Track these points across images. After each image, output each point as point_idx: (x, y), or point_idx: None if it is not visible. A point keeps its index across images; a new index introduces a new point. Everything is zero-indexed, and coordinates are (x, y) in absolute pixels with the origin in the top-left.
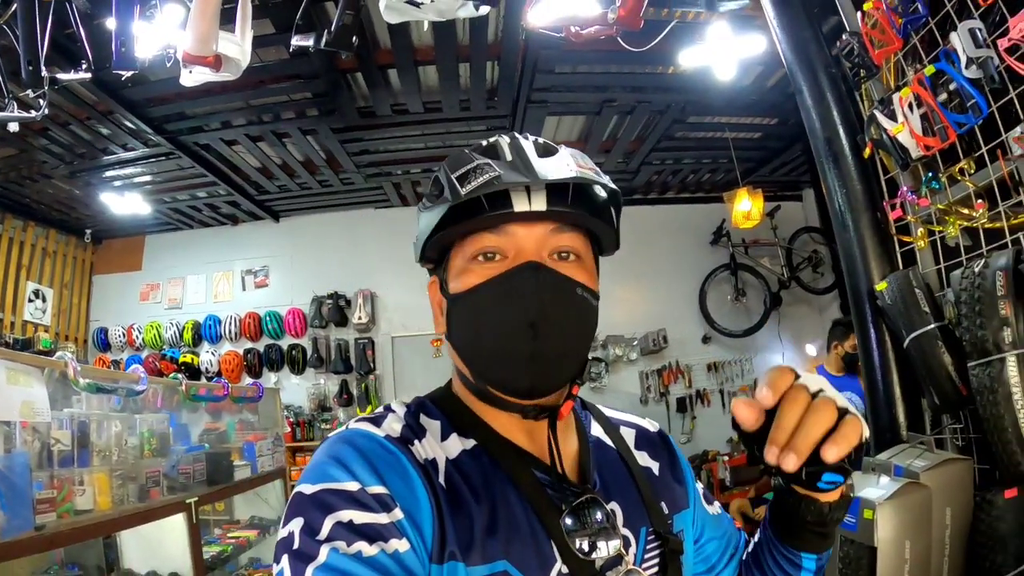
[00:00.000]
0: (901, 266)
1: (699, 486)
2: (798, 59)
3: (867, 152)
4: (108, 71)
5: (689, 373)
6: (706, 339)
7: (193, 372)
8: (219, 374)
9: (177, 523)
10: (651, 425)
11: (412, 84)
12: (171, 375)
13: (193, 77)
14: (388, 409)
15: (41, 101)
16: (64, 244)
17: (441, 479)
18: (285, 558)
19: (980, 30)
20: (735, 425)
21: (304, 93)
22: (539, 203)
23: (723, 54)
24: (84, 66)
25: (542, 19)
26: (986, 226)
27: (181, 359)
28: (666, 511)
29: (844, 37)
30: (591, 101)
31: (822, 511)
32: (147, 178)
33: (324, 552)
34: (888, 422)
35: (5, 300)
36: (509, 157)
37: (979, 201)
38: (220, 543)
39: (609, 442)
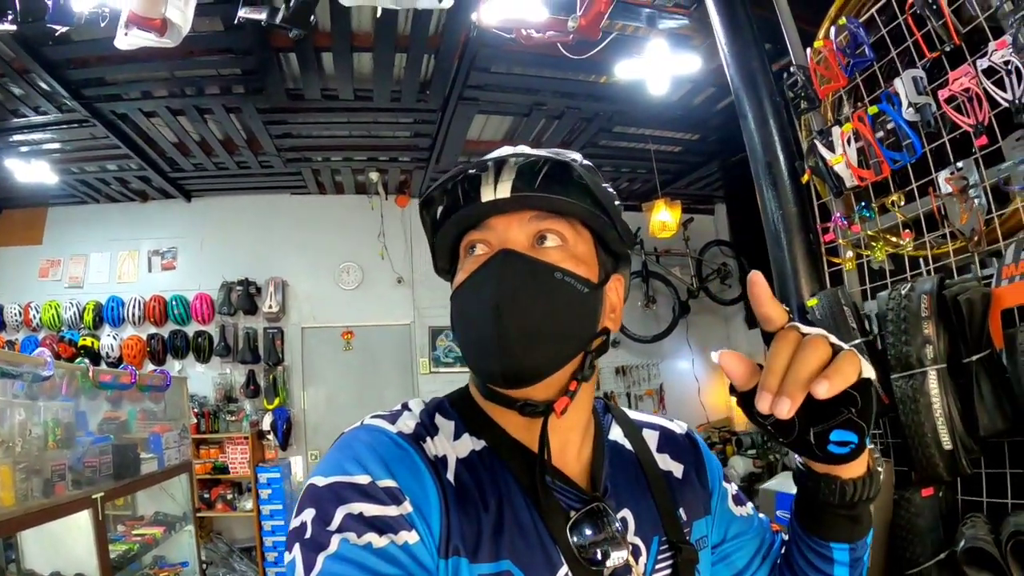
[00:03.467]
0: (829, 285)
1: (731, 487)
2: (745, 86)
3: (805, 178)
4: (33, 25)
5: (598, 376)
6: (615, 343)
7: (93, 356)
8: (120, 360)
9: (81, 520)
10: (678, 427)
11: (346, 70)
12: (78, 360)
13: (129, 40)
14: (405, 407)
15: None
16: None
17: (450, 476)
18: (297, 547)
19: (922, 79)
20: (732, 389)
21: (233, 69)
22: (503, 191)
23: (658, 70)
24: (10, 17)
25: (494, 18)
26: (910, 254)
27: (81, 342)
28: (684, 518)
29: (792, 69)
30: (521, 103)
31: (844, 489)
32: (56, 145)
33: (335, 542)
34: None
35: None
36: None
37: (907, 231)
38: (125, 541)
39: (628, 446)
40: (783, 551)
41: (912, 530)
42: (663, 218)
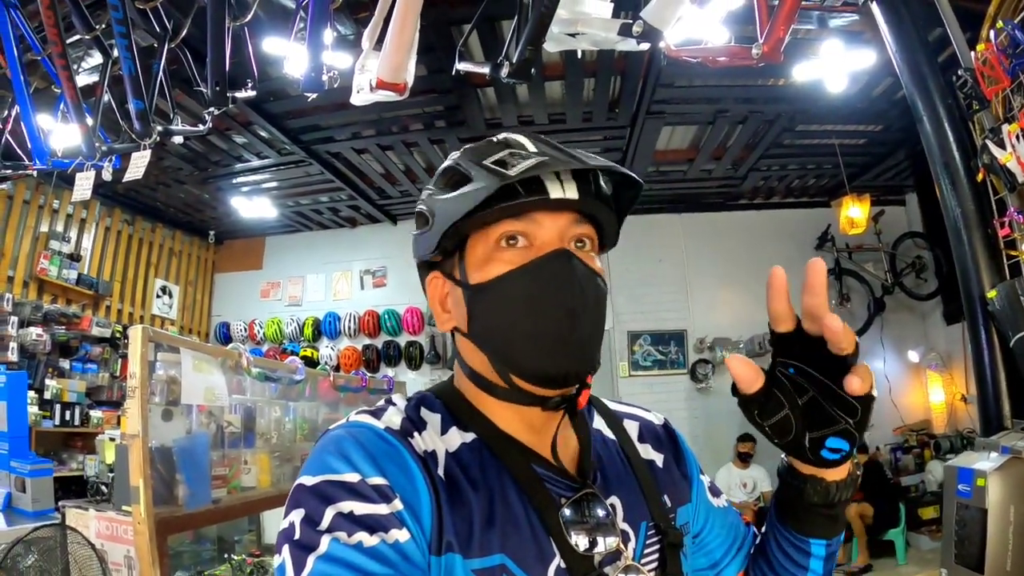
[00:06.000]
0: (1008, 276)
1: (705, 479)
2: (919, 91)
3: (980, 176)
4: (262, 88)
5: None
6: None
7: (311, 365)
8: (338, 368)
9: None
10: (656, 418)
11: (539, 97)
12: (320, 367)
13: (362, 97)
14: (389, 402)
15: (207, 115)
16: (188, 244)
17: (440, 471)
18: (286, 548)
19: None
20: (734, 390)
21: (436, 106)
22: (571, 191)
23: (835, 68)
24: (249, 84)
25: (681, 48)
26: None
27: (301, 353)
28: (669, 504)
29: (960, 72)
30: (705, 112)
31: (828, 491)
32: (274, 184)
33: (325, 542)
34: (995, 411)
35: (135, 296)
36: (533, 148)
37: None
38: None
39: (611, 435)
40: (758, 542)
41: None
42: (853, 214)
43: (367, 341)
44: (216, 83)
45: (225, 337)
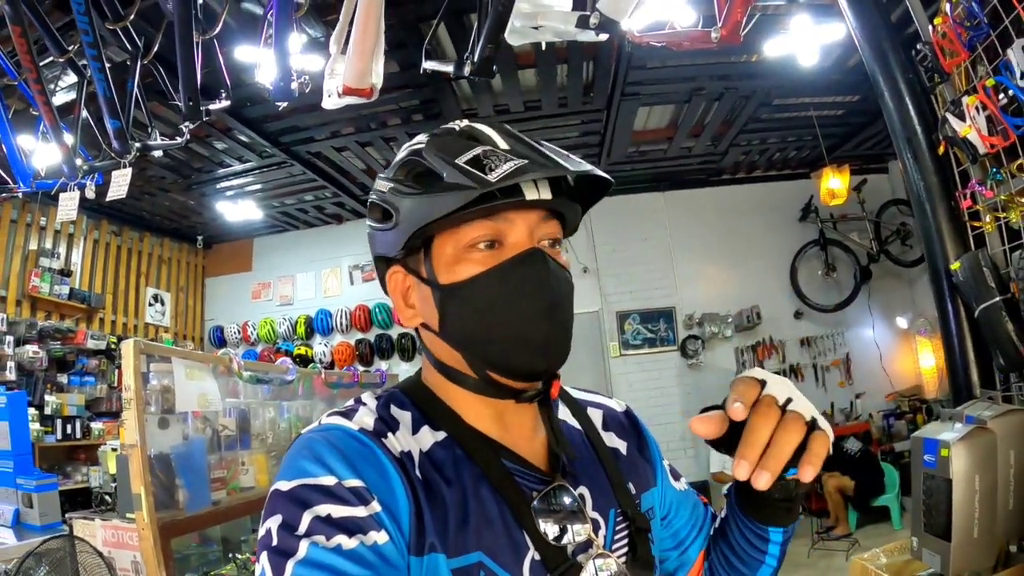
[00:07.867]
0: (973, 247)
1: (666, 463)
2: (880, 67)
3: (941, 149)
4: (238, 94)
5: (782, 348)
6: (798, 314)
7: (306, 363)
8: (332, 364)
9: None
10: (618, 405)
11: (513, 86)
12: (311, 365)
13: (333, 101)
14: (359, 402)
15: (184, 128)
16: (177, 251)
17: (417, 472)
18: (264, 555)
19: None
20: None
21: (412, 101)
22: (545, 192)
23: (805, 42)
24: (223, 95)
25: (643, 34)
26: None
27: (296, 351)
28: (634, 491)
29: (919, 46)
30: (681, 91)
31: (788, 488)
32: (258, 186)
33: (304, 547)
34: (964, 380)
35: (128, 306)
36: (504, 144)
37: None
38: None
39: (576, 425)
40: (718, 525)
41: None
42: (832, 185)
43: (359, 335)
44: (189, 99)
45: (219, 340)
